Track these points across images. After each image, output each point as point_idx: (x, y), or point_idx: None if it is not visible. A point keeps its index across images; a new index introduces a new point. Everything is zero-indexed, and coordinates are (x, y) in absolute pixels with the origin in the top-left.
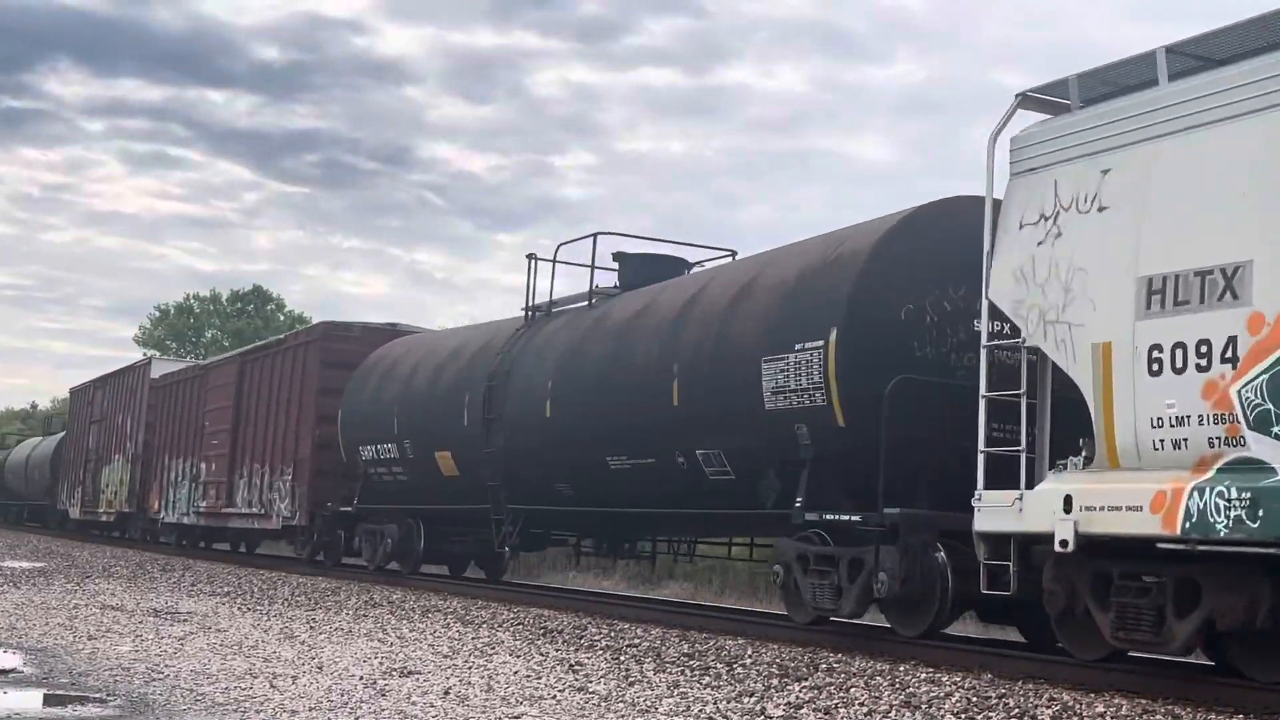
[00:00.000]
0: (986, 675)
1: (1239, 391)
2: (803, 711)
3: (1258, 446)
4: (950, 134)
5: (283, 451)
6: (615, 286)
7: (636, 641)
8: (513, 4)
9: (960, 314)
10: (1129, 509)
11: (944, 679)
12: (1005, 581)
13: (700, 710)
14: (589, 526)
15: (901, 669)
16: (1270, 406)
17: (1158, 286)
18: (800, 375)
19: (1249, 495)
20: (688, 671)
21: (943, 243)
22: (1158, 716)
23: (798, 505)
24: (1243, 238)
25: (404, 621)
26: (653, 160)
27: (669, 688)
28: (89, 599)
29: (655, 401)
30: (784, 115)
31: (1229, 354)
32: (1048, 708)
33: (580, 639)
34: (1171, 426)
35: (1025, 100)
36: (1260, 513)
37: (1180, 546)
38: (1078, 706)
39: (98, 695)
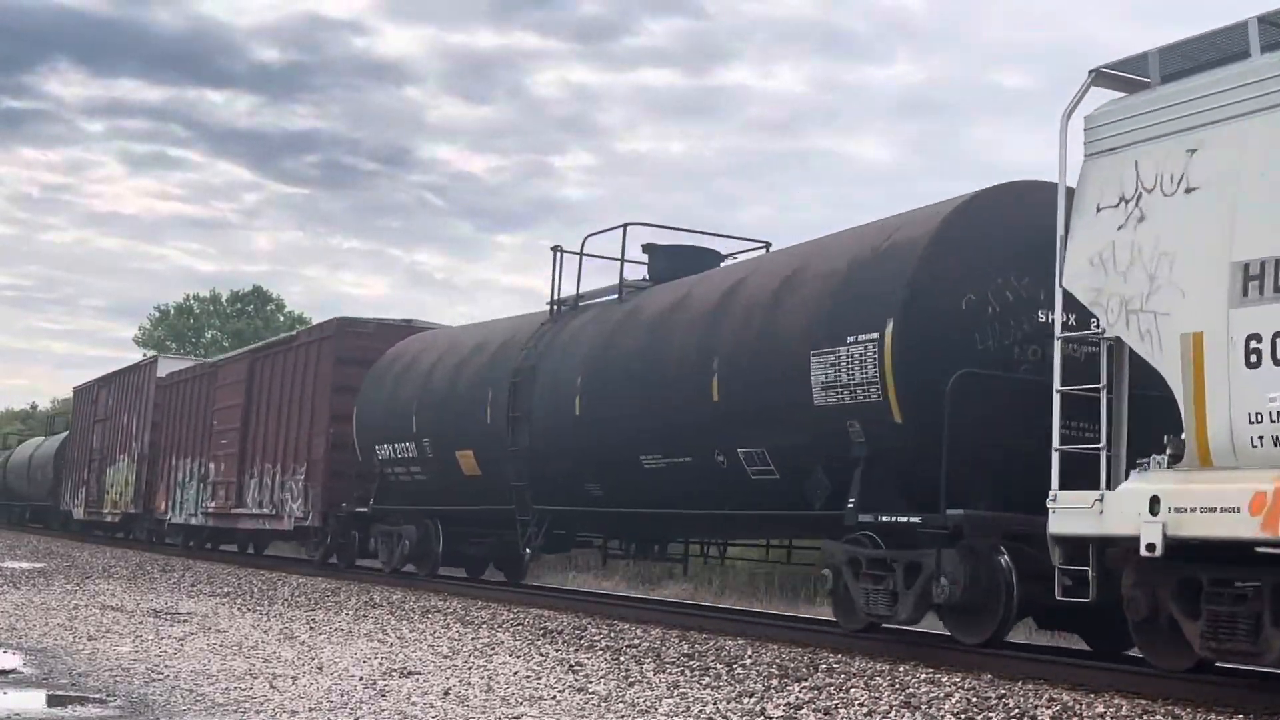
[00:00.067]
0: (986, 675)
1: None
2: (802, 712)
3: None
4: (950, 134)
5: (295, 451)
6: (644, 280)
7: (636, 642)
8: (512, 4)
9: (1024, 304)
10: (1224, 510)
11: (944, 679)
12: (1082, 587)
13: (700, 711)
14: (619, 528)
15: (901, 669)
16: None
17: (1255, 272)
18: (853, 369)
19: None
20: (687, 672)
21: (1004, 229)
22: (1158, 716)
23: (850, 506)
24: None
25: (404, 622)
26: (652, 161)
27: (669, 688)
28: (89, 599)
29: (693, 397)
30: (783, 116)
31: None
32: (1048, 708)
33: (580, 639)
34: (1272, 422)
35: (1099, 77)
36: None
37: None
38: (1078, 707)
39: (98, 696)
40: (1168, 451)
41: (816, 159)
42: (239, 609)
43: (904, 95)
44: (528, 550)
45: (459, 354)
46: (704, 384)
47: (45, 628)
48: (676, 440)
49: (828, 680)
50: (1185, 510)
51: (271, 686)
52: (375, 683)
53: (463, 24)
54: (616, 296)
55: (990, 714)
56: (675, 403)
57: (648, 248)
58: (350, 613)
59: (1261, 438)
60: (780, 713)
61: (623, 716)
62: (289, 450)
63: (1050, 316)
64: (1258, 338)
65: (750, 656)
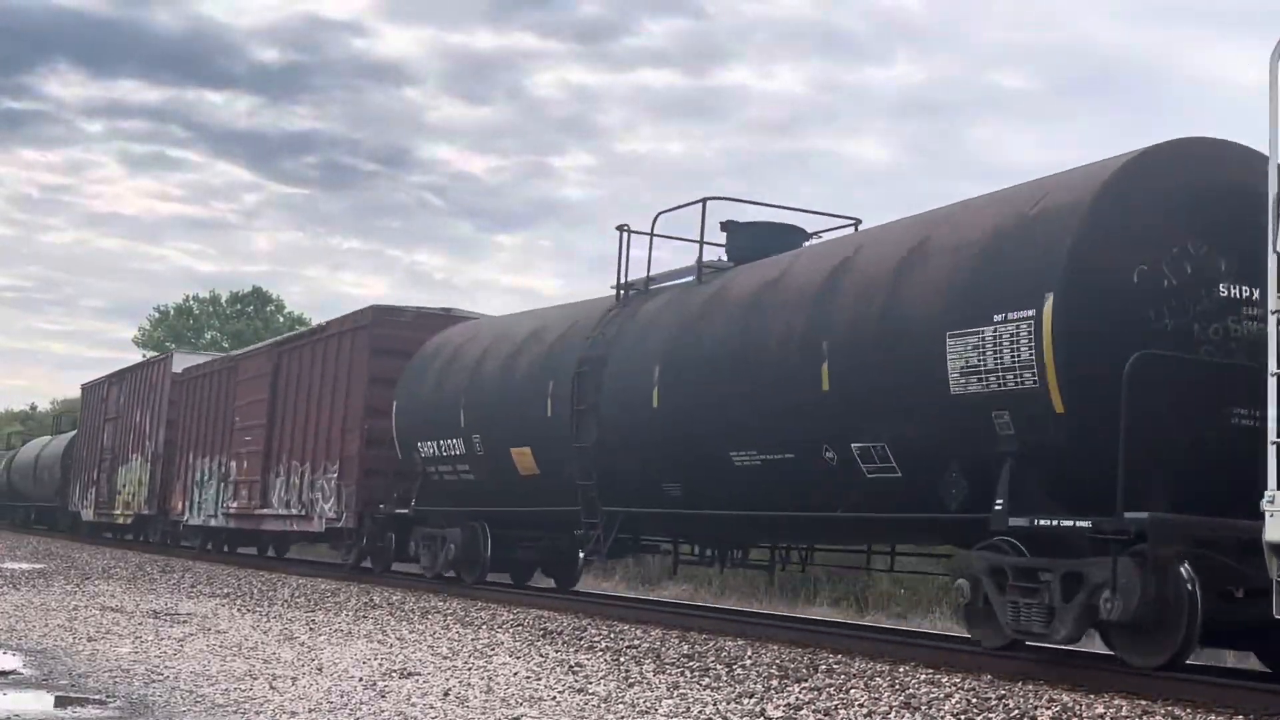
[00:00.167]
0: (986, 676)
1: None
2: (802, 713)
3: None
4: (950, 134)
5: (327, 447)
6: (721, 260)
7: (636, 642)
8: (512, 5)
9: (1202, 276)
10: None
11: (943, 680)
12: None
13: (700, 711)
14: (699, 531)
15: (901, 670)
16: None
17: None
18: (1001, 352)
19: None
20: (688, 672)
21: (1180, 191)
22: (1158, 717)
23: (998, 508)
24: None
25: (403, 623)
26: (652, 161)
27: (669, 689)
28: (89, 600)
29: (797, 386)
30: (783, 116)
31: None
32: (1047, 708)
33: (580, 640)
34: None
35: None
36: None
37: None
38: (1077, 707)
39: (97, 697)
40: None
41: (816, 159)
42: (239, 610)
43: (904, 95)
44: (593, 556)
45: (511, 343)
46: (811, 372)
47: (45, 629)
48: (775, 434)
49: (828, 681)
50: None
51: (271, 687)
52: (375, 683)
53: (462, 25)
54: (693, 278)
55: (990, 714)
56: (774, 393)
57: (727, 225)
58: (350, 613)
59: None
60: (780, 713)
61: (623, 717)
62: (320, 447)
63: (1234, 290)
64: None
65: (750, 657)
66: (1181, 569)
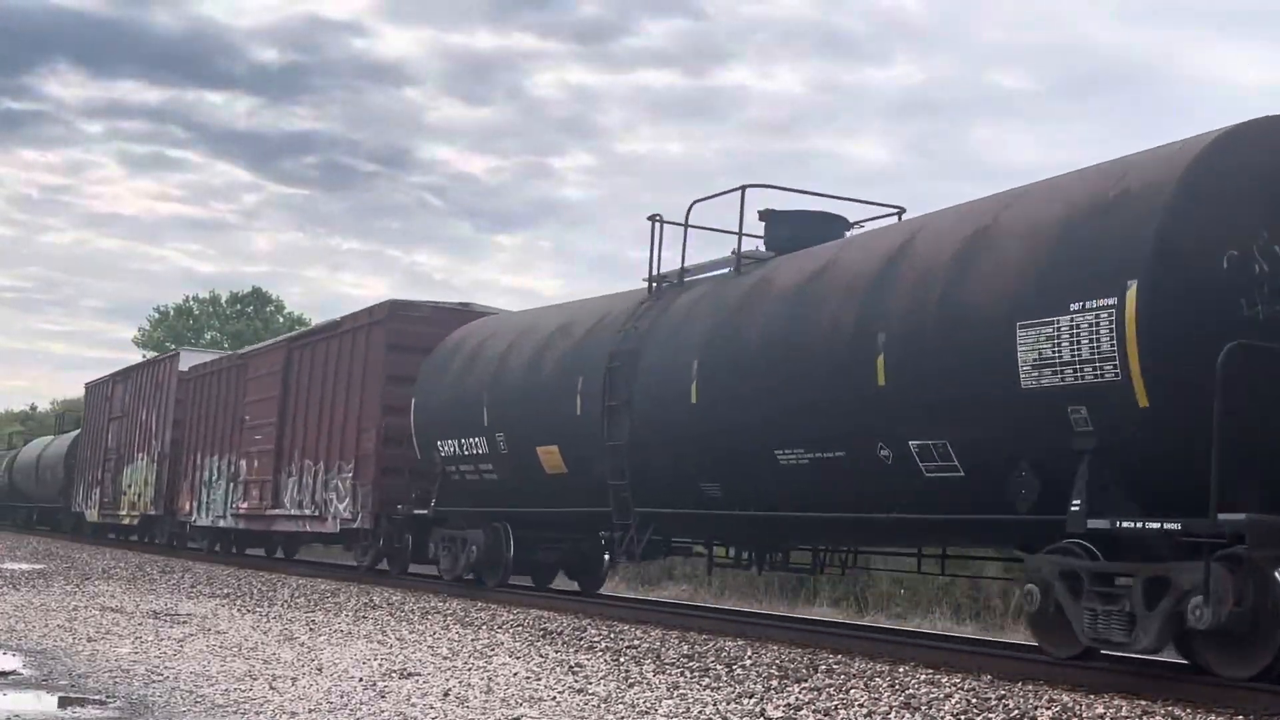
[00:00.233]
0: (986, 676)
1: None
2: (802, 713)
3: None
4: (950, 135)
5: (341, 446)
6: (760, 250)
7: (636, 643)
8: (511, 5)
9: None
10: None
11: (943, 680)
12: None
13: (700, 712)
14: (739, 533)
15: (901, 670)
16: None
17: None
18: (1079, 343)
19: None
20: (687, 673)
21: (1272, 171)
22: (1158, 717)
23: (1075, 509)
24: None
25: (403, 623)
26: (652, 161)
27: (669, 689)
28: (88, 601)
29: (850, 381)
30: (783, 116)
31: None
32: (1047, 709)
33: (580, 640)
34: None
35: None
36: None
37: None
38: (1077, 708)
39: (97, 697)
40: None
41: (816, 160)
42: (239, 610)
43: (903, 96)
44: (624, 559)
45: (537, 338)
46: (865, 366)
47: (45, 629)
48: (825, 432)
49: (827, 681)
50: None
51: (271, 688)
52: (375, 684)
53: (461, 25)
54: (730, 269)
55: (990, 715)
56: (824, 388)
57: (765, 214)
58: (350, 614)
59: None
60: (780, 713)
61: (623, 717)
62: (334, 446)
63: None
64: None
65: (750, 657)
66: (1277, 574)
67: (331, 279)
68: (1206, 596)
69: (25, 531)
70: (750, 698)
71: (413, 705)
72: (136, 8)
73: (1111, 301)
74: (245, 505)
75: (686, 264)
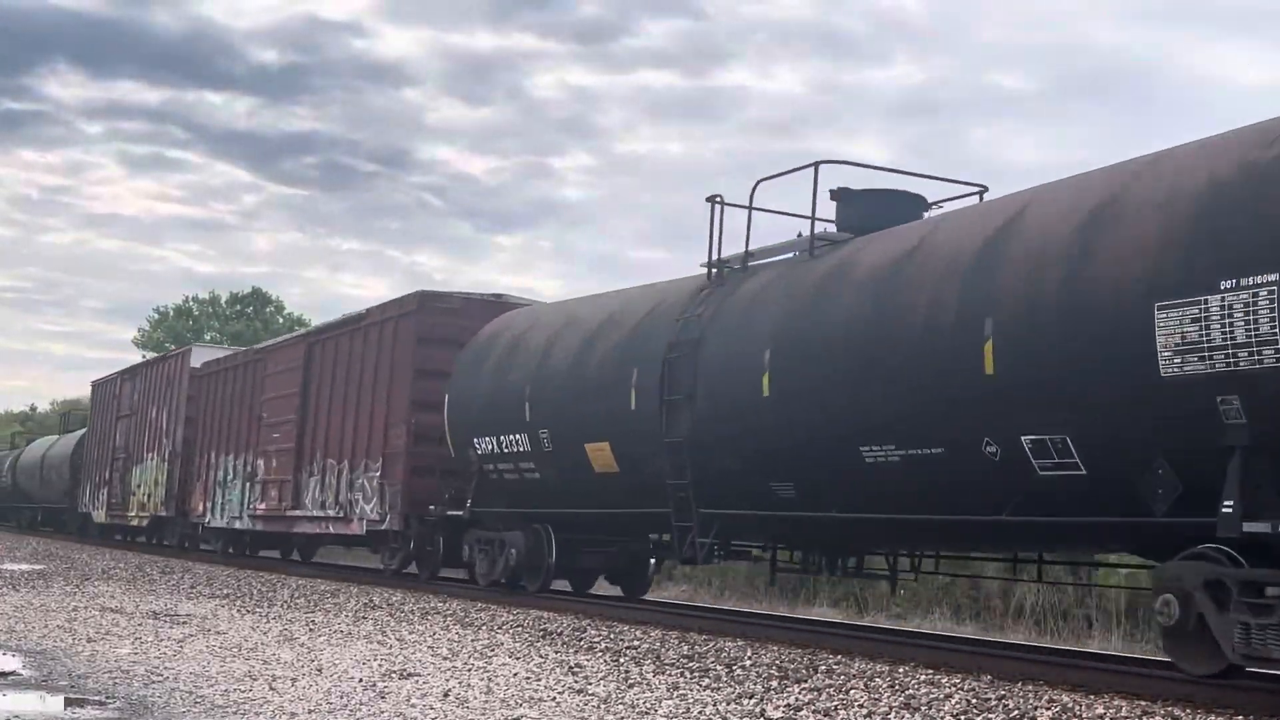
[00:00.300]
0: (986, 676)
1: None
2: (802, 713)
3: None
4: (950, 135)
5: (367, 444)
6: (830, 231)
7: (636, 643)
8: (511, 6)
9: None
10: None
11: (943, 680)
12: None
13: (700, 712)
14: (815, 537)
15: (901, 670)
16: None
17: None
18: (1231, 326)
19: None
20: (687, 673)
21: None
22: (1157, 717)
23: (1227, 511)
24: None
25: (403, 624)
26: (652, 162)
27: (669, 689)
28: (88, 601)
29: (950, 371)
30: (783, 117)
31: None
32: (1047, 709)
33: (579, 641)
34: None
35: None
36: None
37: None
38: (1077, 708)
39: (97, 698)
40: None
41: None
42: (238, 611)
43: (903, 96)
44: (686, 563)
45: (584, 328)
46: (969, 353)
47: (44, 629)
48: (920, 426)
49: (827, 681)
50: None
51: (271, 688)
52: (375, 684)
53: (461, 25)
54: (799, 253)
55: (990, 715)
56: (919, 379)
57: (838, 193)
58: (350, 614)
59: None
60: (780, 714)
61: (622, 718)
62: (360, 444)
63: None
64: None
65: (750, 658)
66: None
67: (331, 279)
68: None
69: (25, 532)
70: (750, 698)
71: (412, 706)
72: (136, 8)
73: (1272, 278)
74: (263, 506)
75: (749, 248)
